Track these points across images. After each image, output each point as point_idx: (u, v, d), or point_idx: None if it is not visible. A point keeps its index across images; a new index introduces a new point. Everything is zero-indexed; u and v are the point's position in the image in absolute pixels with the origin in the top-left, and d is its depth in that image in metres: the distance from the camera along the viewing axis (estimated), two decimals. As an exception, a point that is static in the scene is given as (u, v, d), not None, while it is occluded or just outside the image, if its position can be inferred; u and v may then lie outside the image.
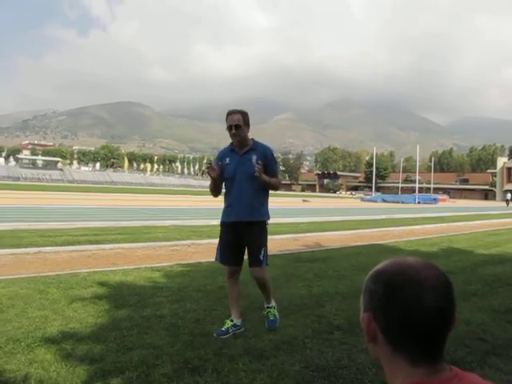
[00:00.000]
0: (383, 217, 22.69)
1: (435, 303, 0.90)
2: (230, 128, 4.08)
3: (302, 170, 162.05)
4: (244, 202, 4.12)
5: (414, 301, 0.89)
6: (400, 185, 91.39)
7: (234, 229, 4.18)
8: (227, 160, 4.19)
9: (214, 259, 4.50)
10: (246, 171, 4.10)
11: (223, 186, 4.34)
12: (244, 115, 4.13)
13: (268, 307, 4.35)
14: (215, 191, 4.32)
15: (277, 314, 4.33)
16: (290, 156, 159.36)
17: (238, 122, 4.06)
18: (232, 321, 4.12)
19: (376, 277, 0.97)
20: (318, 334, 4.07)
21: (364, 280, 1.00)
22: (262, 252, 4.18)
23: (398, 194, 78.61)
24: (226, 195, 4.30)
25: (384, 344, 0.93)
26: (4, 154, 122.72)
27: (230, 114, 4.11)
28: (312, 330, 4.18)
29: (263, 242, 4.22)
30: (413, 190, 79.57)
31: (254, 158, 4.08)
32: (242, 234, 4.16)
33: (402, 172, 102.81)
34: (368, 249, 10.08)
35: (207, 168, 4.12)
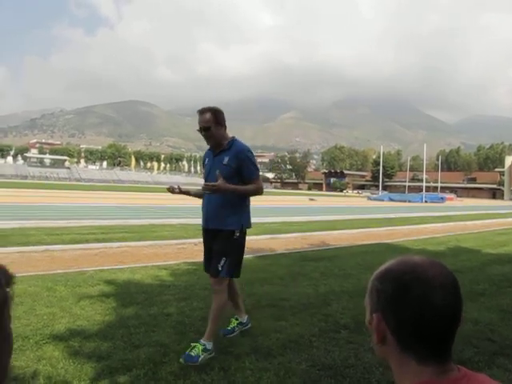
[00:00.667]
0: (390, 216, 22.64)
1: (444, 301, 0.89)
2: (200, 131, 3.69)
3: (309, 169, 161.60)
4: (211, 209, 3.71)
5: (423, 299, 0.89)
6: (407, 183, 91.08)
7: (205, 235, 3.87)
8: (206, 161, 3.87)
9: None
10: (219, 171, 3.64)
11: None
12: (215, 113, 3.65)
13: (200, 343, 3.49)
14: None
15: (202, 355, 3.41)
16: (297, 155, 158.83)
17: (207, 124, 3.60)
18: (237, 319, 4.06)
19: (383, 276, 0.97)
20: (324, 333, 4.07)
21: (369, 279, 1.00)
22: (222, 261, 3.65)
23: (404, 192, 78.34)
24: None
25: (393, 344, 0.93)
26: (12, 153, 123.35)
27: (199, 114, 3.64)
28: (319, 329, 4.18)
29: (225, 251, 3.68)
30: (420, 189, 79.34)
31: (226, 159, 3.65)
32: (210, 241, 3.80)
33: (409, 171, 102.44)
34: (375, 247, 10.05)
35: (168, 190, 3.91)
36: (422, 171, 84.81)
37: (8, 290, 0.61)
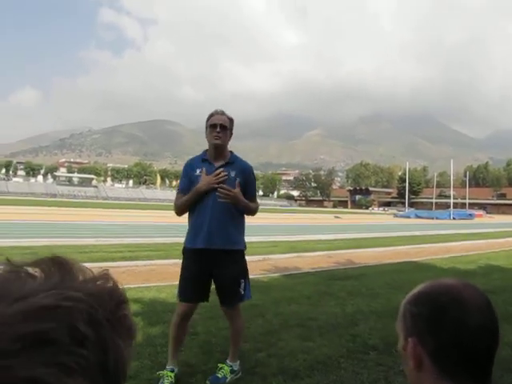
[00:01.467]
0: (417, 233, 22.26)
1: (482, 323, 0.88)
2: (213, 127, 3.36)
3: (334, 186, 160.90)
4: (216, 226, 3.33)
5: (461, 322, 0.88)
6: (434, 200, 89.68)
7: (201, 257, 3.37)
8: (197, 171, 3.42)
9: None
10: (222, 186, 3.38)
11: None
12: (231, 120, 3.48)
13: (227, 364, 3.48)
14: (186, 209, 3.49)
15: (229, 376, 3.43)
16: (322, 172, 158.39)
17: (225, 123, 3.40)
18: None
19: (418, 299, 0.95)
20: (352, 354, 4.00)
21: (402, 303, 0.98)
22: (242, 284, 3.46)
23: (431, 209, 77.17)
24: (191, 215, 3.46)
25: (430, 369, 0.91)
26: (42, 172, 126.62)
27: (216, 113, 3.44)
28: (347, 350, 4.10)
29: (243, 273, 3.51)
30: (447, 206, 78.02)
31: (233, 173, 3.41)
32: (211, 265, 3.39)
33: (436, 187, 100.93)
34: (403, 266, 9.87)
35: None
36: (450, 187, 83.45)
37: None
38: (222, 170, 3.37)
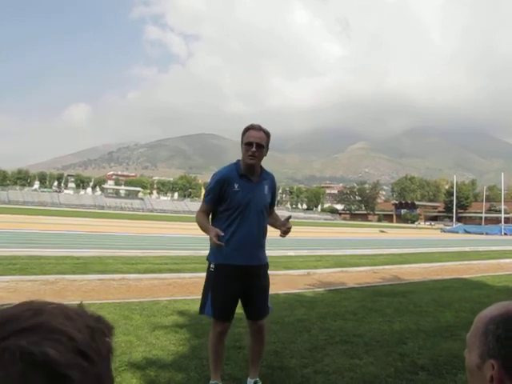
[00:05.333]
0: (466, 249, 21.53)
1: None
2: (248, 145, 3.28)
3: (379, 200, 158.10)
4: (255, 242, 3.35)
5: None
6: (483, 215, 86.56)
7: (238, 274, 3.31)
8: (236, 186, 3.32)
9: (205, 310, 3.46)
10: (259, 204, 3.38)
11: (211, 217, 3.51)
12: (269, 136, 3.38)
13: (258, 382, 3.51)
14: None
15: None
16: (366, 185, 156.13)
17: (261, 141, 3.29)
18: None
19: (507, 323, 0.94)
20: (401, 374, 3.90)
21: (480, 318, 0.97)
22: (268, 297, 3.52)
23: (481, 224, 74.46)
24: (227, 229, 3.29)
25: None
26: (91, 184, 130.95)
27: (253, 128, 3.32)
28: (394, 369, 4.01)
29: (268, 287, 3.55)
30: (498, 221, 75.19)
31: (266, 188, 3.46)
32: (246, 281, 3.35)
33: (486, 201, 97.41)
34: (452, 283, 9.57)
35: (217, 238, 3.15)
36: (500, 202, 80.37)
37: (109, 340, 0.63)
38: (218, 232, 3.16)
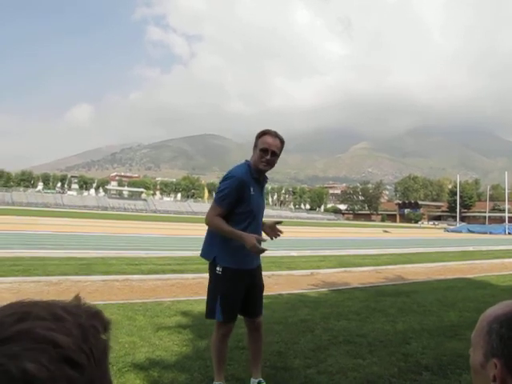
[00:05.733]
0: (470, 248, 21.48)
1: None
2: (264, 151, 3.23)
3: (382, 200, 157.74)
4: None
5: None
6: (487, 214, 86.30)
7: (246, 277, 3.35)
8: (252, 190, 3.27)
9: (215, 316, 3.38)
10: (263, 207, 3.44)
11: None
12: (282, 144, 3.35)
13: (260, 382, 3.52)
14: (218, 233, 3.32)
15: None
16: (369, 185, 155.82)
17: (277, 150, 3.27)
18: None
19: (508, 321, 0.93)
20: (404, 374, 3.89)
21: (485, 317, 0.97)
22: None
23: (485, 223, 74.28)
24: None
25: None
26: (94, 185, 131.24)
27: (269, 134, 3.28)
28: (398, 369, 4.00)
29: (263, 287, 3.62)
30: (502, 220, 74.89)
31: (264, 189, 3.54)
32: (250, 282, 3.41)
33: (489, 200, 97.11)
34: (455, 283, 9.55)
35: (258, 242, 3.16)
36: (504, 201, 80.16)
37: (105, 337, 0.61)
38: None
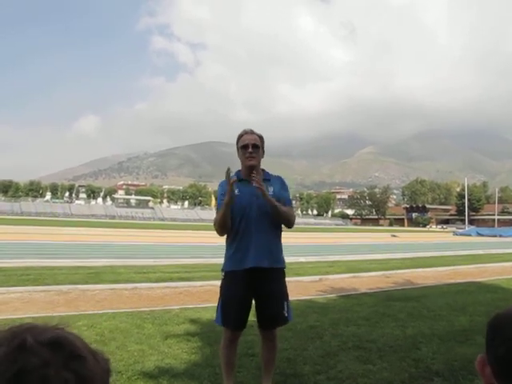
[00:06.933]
0: (480, 252, 21.34)
1: None
2: (244, 147, 3.33)
3: (389, 204, 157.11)
4: (261, 245, 3.27)
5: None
6: (496, 217, 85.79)
7: (246, 279, 3.28)
8: (236, 191, 3.28)
9: (216, 319, 3.51)
10: (263, 206, 3.27)
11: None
12: (261, 138, 3.43)
13: None
14: (225, 225, 3.32)
15: None
16: (376, 190, 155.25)
17: (256, 142, 3.35)
18: None
19: (492, 319, 0.96)
20: (415, 380, 3.86)
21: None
22: (285, 306, 3.38)
23: (494, 226, 73.72)
24: (234, 236, 3.34)
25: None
26: (102, 194, 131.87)
27: (245, 133, 3.40)
28: (409, 375, 3.97)
29: (286, 293, 3.42)
30: (511, 223, 74.29)
31: (271, 189, 3.35)
32: (256, 286, 3.31)
33: (498, 203, 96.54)
34: (465, 287, 9.48)
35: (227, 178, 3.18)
36: (513, 203, 79.65)
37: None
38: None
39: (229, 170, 3.18)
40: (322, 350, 4.59)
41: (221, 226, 3.31)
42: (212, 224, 3.49)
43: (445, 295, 8.25)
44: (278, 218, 3.36)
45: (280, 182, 3.50)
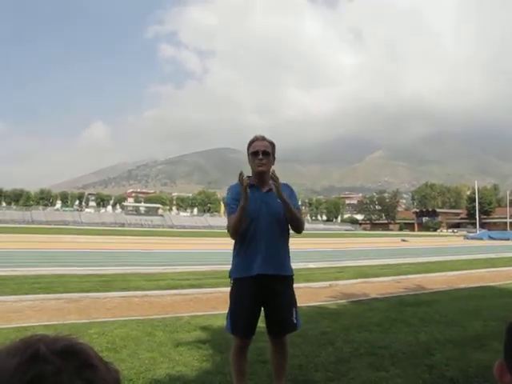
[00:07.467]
0: (492, 256, 21.11)
1: None
2: (255, 154, 3.32)
3: (399, 209, 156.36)
4: (269, 252, 3.25)
5: None
6: (508, 220, 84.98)
7: (254, 286, 3.25)
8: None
9: (227, 327, 3.48)
10: (272, 212, 3.28)
11: None
12: (273, 145, 3.43)
13: None
14: (241, 228, 3.27)
15: None
16: (386, 194, 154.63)
17: (267, 149, 3.34)
18: None
19: (510, 323, 0.93)
20: (429, 386, 3.81)
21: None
22: (294, 313, 3.36)
23: (506, 230, 72.99)
24: (242, 242, 3.32)
25: None
26: (111, 202, 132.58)
27: (256, 140, 3.39)
28: (423, 381, 3.92)
29: (294, 300, 3.41)
30: (524, 226, 73.62)
31: (284, 195, 3.27)
32: (264, 293, 3.28)
33: (510, 206, 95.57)
34: (478, 291, 9.37)
35: (241, 179, 3.16)
36: (525, 206, 78.89)
37: None
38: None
39: (242, 173, 3.17)
40: (334, 357, 4.55)
41: (236, 230, 3.27)
42: (226, 230, 3.45)
43: (457, 300, 8.17)
44: (289, 216, 3.31)
45: (288, 189, 3.46)
